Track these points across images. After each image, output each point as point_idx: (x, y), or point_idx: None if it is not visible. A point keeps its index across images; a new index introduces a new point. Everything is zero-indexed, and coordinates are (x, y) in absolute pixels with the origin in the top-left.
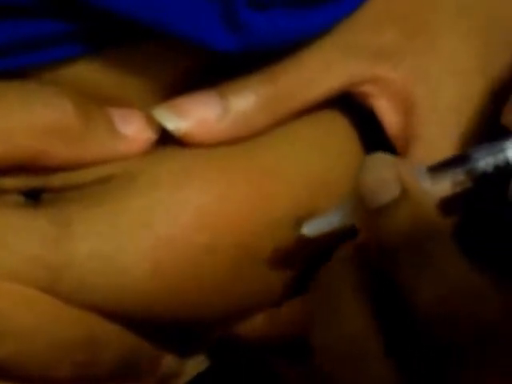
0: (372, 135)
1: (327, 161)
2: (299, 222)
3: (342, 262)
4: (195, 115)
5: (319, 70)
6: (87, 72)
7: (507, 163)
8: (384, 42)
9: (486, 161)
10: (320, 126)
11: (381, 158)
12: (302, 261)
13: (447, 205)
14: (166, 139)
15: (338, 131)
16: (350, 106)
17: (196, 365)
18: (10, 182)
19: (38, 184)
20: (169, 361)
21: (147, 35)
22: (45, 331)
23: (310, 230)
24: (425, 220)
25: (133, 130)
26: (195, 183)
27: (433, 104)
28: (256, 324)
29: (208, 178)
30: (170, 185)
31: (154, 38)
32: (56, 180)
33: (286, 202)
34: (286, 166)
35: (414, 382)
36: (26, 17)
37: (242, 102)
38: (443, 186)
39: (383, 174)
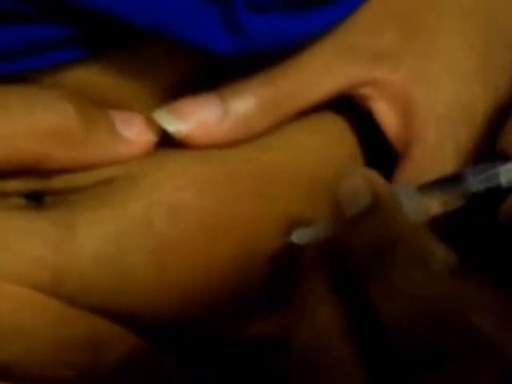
0: (372, 138)
1: (326, 163)
2: (291, 228)
3: (316, 261)
4: (195, 118)
5: (318, 73)
6: (87, 75)
7: (499, 188)
8: (383, 44)
9: (478, 184)
10: (319, 128)
11: (357, 170)
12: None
13: (439, 222)
14: (166, 141)
15: (338, 134)
16: (350, 108)
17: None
18: (12, 184)
19: (39, 187)
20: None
21: (147, 38)
22: (48, 332)
23: (299, 237)
24: (391, 231)
25: (134, 133)
26: (196, 185)
27: (432, 107)
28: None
29: (209, 179)
30: (171, 186)
31: (154, 41)
32: (58, 183)
33: (285, 203)
34: (285, 167)
35: None
36: (26, 21)
37: (242, 105)
38: (434, 204)
39: (356, 185)
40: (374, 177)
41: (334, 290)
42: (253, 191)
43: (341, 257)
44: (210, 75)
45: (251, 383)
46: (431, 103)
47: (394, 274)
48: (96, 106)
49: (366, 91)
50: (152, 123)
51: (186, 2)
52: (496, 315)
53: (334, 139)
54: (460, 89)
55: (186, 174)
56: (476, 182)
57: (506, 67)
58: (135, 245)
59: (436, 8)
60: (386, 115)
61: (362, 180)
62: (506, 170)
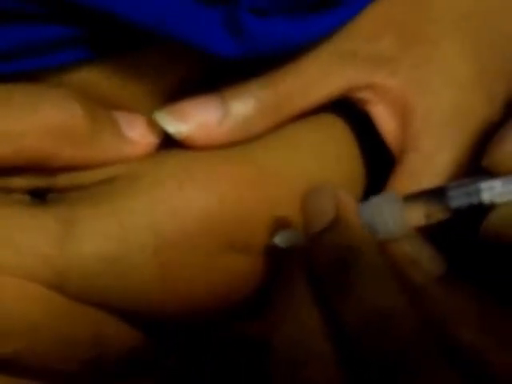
0: (371, 141)
1: (326, 165)
2: (276, 231)
3: (299, 264)
4: (196, 119)
5: (317, 76)
6: (90, 77)
7: (481, 204)
8: (381, 49)
9: (460, 199)
10: (320, 131)
11: (322, 188)
12: None
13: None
14: (169, 141)
15: (338, 136)
16: (350, 111)
17: None
18: (17, 181)
19: (44, 184)
20: (173, 360)
21: (149, 40)
22: (51, 327)
23: (282, 240)
24: (349, 247)
25: (137, 134)
26: (198, 184)
27: (430, 114)
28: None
29: (210, 179)
30: (173, 185)
31: (156, 43)
32: (61, 180)
33: (286, 204)
34: (286, 168)
35: None
36: (30, 21)
37: (242, 107)
38: (417, 216)
39: (321, 202)
40: (340, 193)
41: (316, 294)
42: (254, 191)
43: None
44: (210, 77)
45: (250, 383)
46: (429, 110)
47: (353, 287)
48: (100, 106)
49: (364, 95)
50: (154, 124)
51: (189, 4)
52: (477, 325)
53: (334, 140)
54: (458, 97)
55: (187, 173)
56: (457, 197)
57: (502, 72)
58: (137, 243)
59: (435, 17)
60: (385, 119)
61: (328, 199)
62: (488, 187)
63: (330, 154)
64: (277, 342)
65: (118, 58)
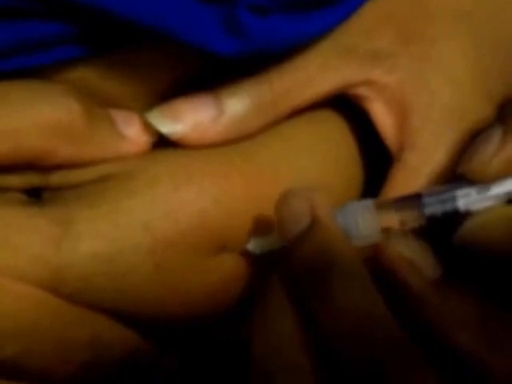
0: (369, 139)
1: (324, 163)
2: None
3: (281, 272)
4: (190, 118)
5: (314, 72)
6: (85, 74)
7: (456, 211)
8: (379, 45)
9: (435, 206)
10: (317, 128)
11: (297, 191)
12: None
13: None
14: (164, 139)
15: (335, 134)
16: (348, 109)
17: None
18: (12, 179)
19: (39, 182)
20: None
21: (147, 38)
22: (48, 330)
23: (255, 247)
24: (327, 252)
25: (133, 132)
26: (194, 183)
27: (427, 111)
28: None
29: (206, 177)
30: (168, 184)
31: (152, 42)
32: (57, 178)
33: None
34: (282, 167)
35: None
36: (26, 19)
37: (238, 105)
38: (391, 223)
39: (296, 206)
40: (316, 198)
41: (294, 300)
42: (250, 190)
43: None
44: (204, 75)
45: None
46: (426, 107)
47: (331, 292)
48: (97, 104)
49: (361, 91)
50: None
51: (188, 2)
52: (475, 328)
53: (331, 138)
54: (456, 95)
55: (183, 172)
56: (432, 204)
57: (502, 72)
58: (133, 243)
59: (434, 15)
60: (382, 116)
61: (303, 202)
62: (463, 194)
63: (327, 151)
64: (254, 351)
65: (113, 55)
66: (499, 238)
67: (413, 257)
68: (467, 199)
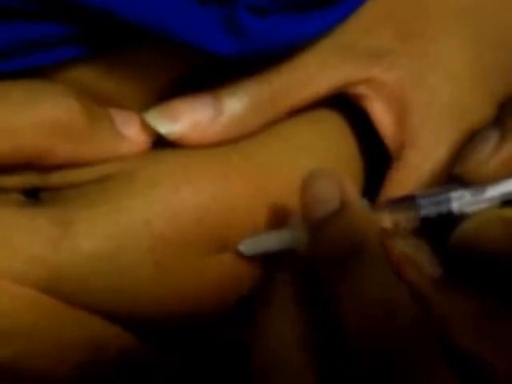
0: (369, 138)
1: (323, 162)
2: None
3: (283, 272)
4: (188, 118)
5: (313, 70)
6: (86, 74)
7: (450, 213)
8: (378, 44)
9: (429, 208)
10: (316, 127)
11: (324, 172)
12: None
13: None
14: (163, 139)
15: (334, 133)
16: (347, 108)
17: None
18: (10, 180)
19: (38, 182)
20: (171, 361)
21: (146, 38)
22: (45, 331)
23: (246, 248)
24: (355, 235)
25: (133, 132)
26: (193, 182)
27: (427, 109)
28: None
29: (206, 177)
30: (168, 184)
31: (153, 42)
32: (55, 178)
33: (282, 202)
34: (282, 166)
35: None
36: (25, 19)
37: (236, 104)
38: (385, 224)
39: (324, 187)
40: (344, 180)
41: (295, 301)
42: (250, 189)
43: (307, 263)
44: (206, 75)
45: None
46: (426, 105)
47: (355, 278)
48: (97, 103)
49: (361, 90)
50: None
51: (187, 3)
52: (475, 327)
53: (330, 137)
54: (456, 92)
55: (182, 171)
56: (427, 206)
57: (503, 70)
58: (132, 243)
59: (433, 13)
60: (381, 114)
61: (331, 183)
62: (458, 196)
63: (327, 150)
64: (254, 350)
65: (112, 55)
66: (494, 240)
67: (414, 255)
68: (461, 201)
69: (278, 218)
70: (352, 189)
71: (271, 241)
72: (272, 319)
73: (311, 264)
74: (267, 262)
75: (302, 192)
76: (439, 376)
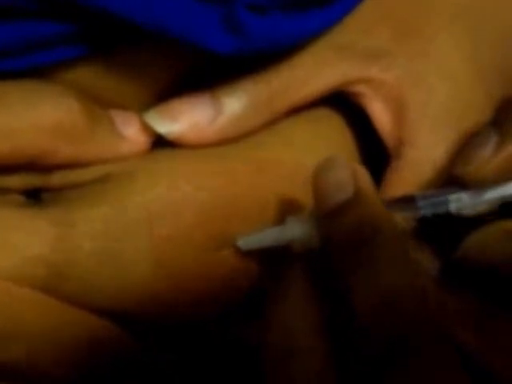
0: (368, 136)
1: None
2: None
3: (296, 261)
4: (187, 118)
5: (311, 69)
6: (86, 74)
7: (448, 215)
8: (377, 43)
9: (427, 209)
10: (315, 126)
11: (336, 160)
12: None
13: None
14: (163, 139)
15: (333, 132)
16: (346, 106)
17: None
18: (11, 180)
19: (38, 183)
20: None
21: (145, 37)
22: (46, 332)
23: (245, 244)
24: (371, 222)
25: (133, 132)
26: (193, 182)
27: (425, 109)
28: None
29: (205, 176)
30: (168, 184)
31: (152, 41)
32: (56, 179)
33: (281, 200)
34: (280, 164)
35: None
36: (27, 18)
37: (235, 103)
38: None
39: (339, 175)
40: (358, 169)
41: (308, 290)
42: (249, 188)
43: (320, 252)
44: (206, 74)
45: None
46: (424, 105)
47: (373, 263)
48: (96, 103)
49: (359, 89)
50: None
51: (186, 1)
52: (475, 326)
53: (329, 136)
54: (454, 92)
55: (182, 171)
56: (425, 207)
57: (501, 70)
58: (133, 242)
59: (431, 12)
60: (380, 113)
61: (345, 172)
62: (456, 198)
63: (325, 149)
64: (268, 335)
65: (112, 55)
66: (499, 253)
67: (414, 255)
68: (460, 203)
69: (277, 216)
70: (365, 177)
71: (269, 237)
72: (285, 302)
73: (324, 253)
74: (267, 258)
75: (314, 179)
76: (454, 364)
